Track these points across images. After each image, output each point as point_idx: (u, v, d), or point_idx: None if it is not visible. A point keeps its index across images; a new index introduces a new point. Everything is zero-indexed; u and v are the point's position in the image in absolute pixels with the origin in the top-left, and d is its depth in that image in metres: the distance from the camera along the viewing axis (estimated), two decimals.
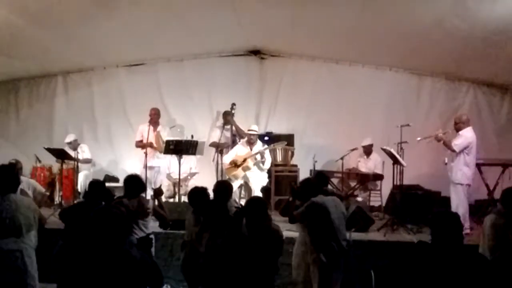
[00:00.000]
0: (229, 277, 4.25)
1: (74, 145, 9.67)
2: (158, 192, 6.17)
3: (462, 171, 7.74)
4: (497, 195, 8.88)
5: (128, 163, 10.53)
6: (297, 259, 5.59)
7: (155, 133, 9.36)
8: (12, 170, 5.47)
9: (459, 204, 7.67)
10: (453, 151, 7.76)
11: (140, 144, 9.41)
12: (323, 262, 5.23)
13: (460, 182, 7.70)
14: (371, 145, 9.79)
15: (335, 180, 9.67)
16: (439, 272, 3.55)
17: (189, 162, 9.44)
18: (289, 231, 7.45)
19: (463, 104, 10.20)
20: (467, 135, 7.81)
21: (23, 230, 4.93)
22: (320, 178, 6.20)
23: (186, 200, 8.80)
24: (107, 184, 9.42)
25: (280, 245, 4.94)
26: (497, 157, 9.41)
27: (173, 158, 9.32)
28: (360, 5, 7.14)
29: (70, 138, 9.79)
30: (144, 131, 9.34)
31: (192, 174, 9.58)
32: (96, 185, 5.80)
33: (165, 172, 9.57)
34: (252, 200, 5.22)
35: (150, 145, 9.19)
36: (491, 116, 10.22)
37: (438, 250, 3.62)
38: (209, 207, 4.99)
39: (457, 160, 7.80)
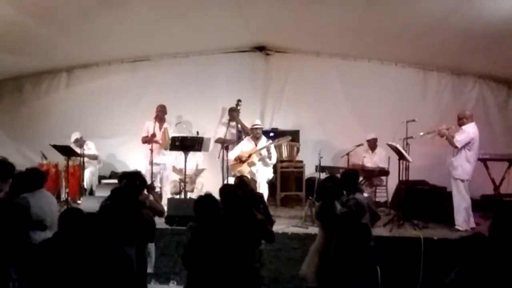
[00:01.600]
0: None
1: (80, 142, 9.69)
2: (150, 187, 6.16)
3: (463, 167, 7.73)
4: (503, 190, 8.91)
5: (133, 159, 10.54)
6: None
7: (162, 130, 9.35)
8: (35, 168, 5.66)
9: (460, 200, 7.68)
10: (455, 147, 7.75)
11: (146, 139, 9.40)
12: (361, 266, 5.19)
13: (460, 178, 7.70)
14: (375, 139, 9.77)
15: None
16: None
17: (195, 158, 9.43)
18: (294, 227, 7.51)
19: (469, 99, 10.19)
20: (469, 130, 7.79)
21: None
22: (351, 175, 6.06)
23: (193, 197, 8.88)
24: (112, 181, 9.61)
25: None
26: (503, 152, 9.39)
27: (179, 155, 9.32)
28: (366, 1, 7.12)
29: (75, 136, 9.81)
30: (150, 127, 9.34)
31: (200, 171, 9.58)
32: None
33: (171, 169, 9.56)
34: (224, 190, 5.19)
35: (153, 136, 9.16)
36: (497, 111, 10.21)
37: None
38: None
39: (459, 156, 7.79)
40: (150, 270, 5.79)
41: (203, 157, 9.62)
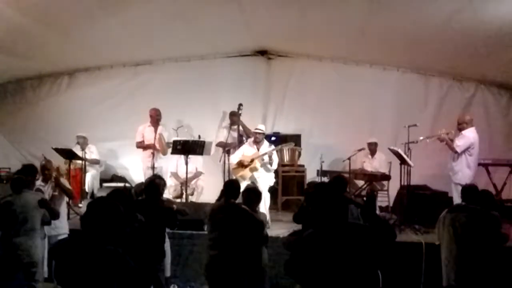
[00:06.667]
0: None
1: (83, 142, 9.71)
2: None
3: (463, 172, 7.75)
4: (505, 195, 8.90)
5: (133, 163, 10.55)
6: None
7: (157, 135, 9.30)
8: None
9: None
10: (455, 151, 7.74)
11: (141, 145, 9.39)
12: None
13: (461, 183, 7.68)
14: (375, 144, 9.73)
15: None
16: None
17: (194, 162, 9.42)
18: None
19: (470, 104, 10.17)
20: (470, 135, 7.79)
21: None
22: (338, 182, 6.06)
23: (194, 200, 8.89)
24: (114, 184, 9.63)
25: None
26: (505, 157, 9.39)
27: (179, 158, 9.32)
28: (367, 5, 7.13)
29: (80, 134, 9.88)
30: (145, 132, 9.32)
31: (198, 174, 9.57)
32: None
33: (167, 173, 9.53)
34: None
35: (153, 147, 9.10)
36: (499, 116, 10.18)
37: None
38: None
39: (459, 161, 7.79)
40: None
41: (202, 161, 9.61)
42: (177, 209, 6.00)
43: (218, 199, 5.70)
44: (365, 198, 5.42)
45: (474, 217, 5.15)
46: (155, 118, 9.39)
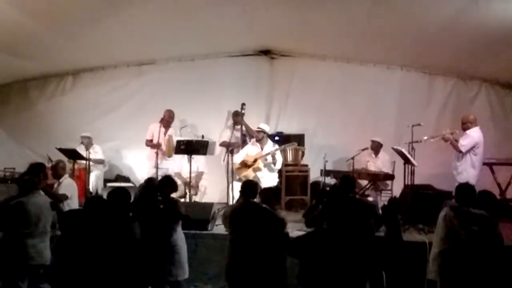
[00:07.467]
0: None
1: (87, 142, 9.72)
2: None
3: (467, 171, 7.74)
4: (509, 195, 8.87)
5: (137, 163, 10.57)
6: None
7: (167, 137, 9.31)
8: None
9: None
10: (460, 151, 7.72)
11: (150, 144, 9.40)
12: None
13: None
14: (380, 144, 9.69)
15: None
16: None
17: (196, 161, 9.40)
18: (300, 231, 7.47)
19: (475, 104, 10.14)
20: (474, 135, 7.77)
21: None
22: (345, 182, 6.08)
23: (197, 200, 8.89)
24: (118, 184, 9.63)
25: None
26: (509, 156, 9.36)
27: (182, 158, 9.31)
28: (370, 4, 7.12)
29: (85, 134, 9.91)
30: (155, 131, 9.32)
31: (200, 174, 9.56)
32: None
33: (173, 173, 9.51)
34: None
35: (159, 146, 9.13)
36: (503, 116, 10.15)
37: None
38: None
39: (464, 161, 7.78)
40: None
41: (204, 161, 9.61)
42: (166, 207, 5.87)
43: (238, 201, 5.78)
44: (385, 203, 5.40)
45: (454, 214, 5.21)
46: (167, 120, 9.39)
